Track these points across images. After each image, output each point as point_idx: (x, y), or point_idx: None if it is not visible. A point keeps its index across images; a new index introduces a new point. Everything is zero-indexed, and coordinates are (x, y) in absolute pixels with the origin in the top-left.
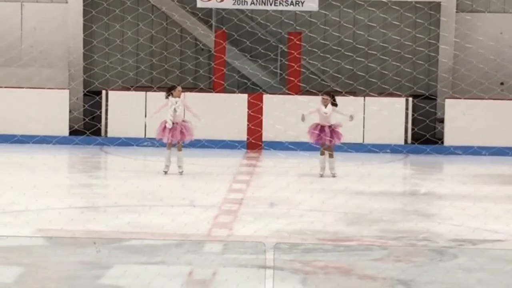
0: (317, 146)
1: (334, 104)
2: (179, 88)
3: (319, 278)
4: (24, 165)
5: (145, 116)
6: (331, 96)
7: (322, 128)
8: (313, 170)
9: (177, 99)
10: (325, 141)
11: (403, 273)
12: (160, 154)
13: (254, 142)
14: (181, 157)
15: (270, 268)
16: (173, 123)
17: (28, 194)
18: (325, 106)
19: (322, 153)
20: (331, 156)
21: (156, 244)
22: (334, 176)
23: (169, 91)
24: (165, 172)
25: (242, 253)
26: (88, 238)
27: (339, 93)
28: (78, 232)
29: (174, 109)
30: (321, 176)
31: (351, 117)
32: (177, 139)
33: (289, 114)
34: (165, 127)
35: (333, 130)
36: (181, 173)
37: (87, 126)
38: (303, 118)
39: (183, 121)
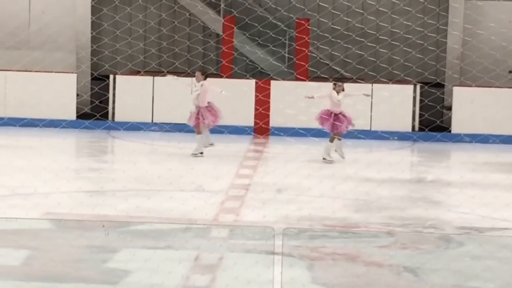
0: (327, 131)
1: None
2: (197, 73)
3: (326, 264)
4: (33, 148)
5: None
6: (342, 83)
7: (336, 116)
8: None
9: (197, 84)
10: (340, 129)
11: (409, 260)
12: (167, 139)
13: (262, 127)
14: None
15: (278, 254)
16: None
17: (37, 176)
18: (338, 93)
19: (332, 140)
20: (339, 139)
21: (164, 229)
22: (338, 157)
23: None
24: (202, 153)
25: (250, 238)
26: (96, 221)
27: (348, 80)
28: (86, 216)
29: (196, 95)
30: (330, 162)
31: (367, 94)
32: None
33: (299, 99)
34: (197, 117)
35: (344, 116)
36: (211, 144)
37: (95, 110)
38: (311, 97)
39: (207, 107)
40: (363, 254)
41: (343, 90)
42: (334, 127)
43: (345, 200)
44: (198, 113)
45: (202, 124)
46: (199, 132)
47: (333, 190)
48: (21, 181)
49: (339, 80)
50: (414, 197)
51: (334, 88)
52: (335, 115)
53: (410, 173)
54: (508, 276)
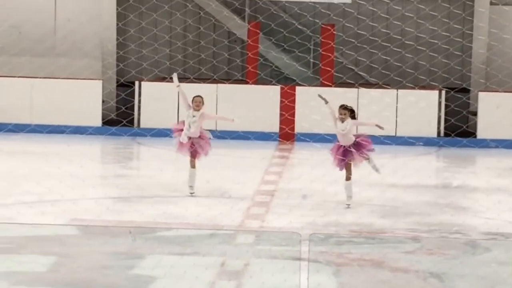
0: (342, 168)
1: (353, 117)
2: (196, 99)
3: (352, 270)
4: (59, 155)
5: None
6: (349, 110)
7: (345, 151)
8: None
9: (195, 113)
10: (352, 159)
11: (435, 266)
12: None
13: (288, 133)
14: (193, 175)
15: (304, 260)
16: (188, 138)
17: (64, 183)
18: (342, 121)
19: (348, 178)
20: (348, 178)
21: (190, 235)
22: (348, 205)
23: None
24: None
25: (276, 244)
26: (122, 227)
27: (373, 85)
28: (112, 222)
29: (189, 124)
30: (348, 207)
31: (381, 127)
32: (188, 155)
33: (324, 105)
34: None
35: (357, 145)
36: (191, 194)
37: (121, 117)
38: (324, 98)
39: (200, 135)
40: (389, 260)
41: (352, 116)
42: (342, 162)
43: (371, 205)
44: (192, 144)
45: (198, 156)
46: (194, 166)
47: (359, 196)
48: (48, 187)
49: (344, 106)
50: (440, 202)
51: (338, 116)
52: (344, 149)
53: (436, 178)
54: None
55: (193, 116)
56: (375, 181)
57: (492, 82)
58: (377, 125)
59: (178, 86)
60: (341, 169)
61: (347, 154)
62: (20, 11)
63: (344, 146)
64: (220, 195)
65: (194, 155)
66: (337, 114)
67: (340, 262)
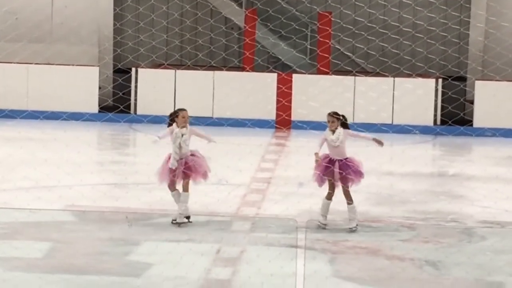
0: (321, 184)
1: (345, 125)
2: (183, 113)
3: (348, 258)
4: (56, 141)
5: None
6: (339, 117)
7: (331, 160)
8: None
9: (183, 130)
10: (333, 176)
11: (431, 254)
12: None
13: (285, 120)
14: (186, 199)
15: (301, 247)
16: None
17: (61, 169)
18: (333, 131)
19: (329, 196)
20: (349, 202)
21: (186, 221)
22: (352, 230)
23: (173, 116)
24: (178, 224)
25: (272, 231)
26: (119, 213)
27: (370, 73)
28: (109, 208)
29: (180, 144)
30: (324, 227)
31: (379, 142)
32: (181, 177)
33: (321, 92)
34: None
35: (347, 164)
36: (188, 220)
37: (117, 102)
38: (317, 159)
39: (192, 154)
40: (385, 248)
41: (343, 125)
42: (324, 171)
43: (367, 193)
44: (185, 165)
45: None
46: (187, 188)
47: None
48: (45, 173)
49: (335, 112)
50: (436, 190)
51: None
52: (331, 160)
53: (432, 166)
54: None
55: (183, 135)
56: (371, 169)
57: (490, 70)
58: (374, 139)
59: (160, 138)
60: (320, 185)
61: (332, 163)
62: None
63: (332, 158)
64: (216, 182)
65: (188, 175)
66: (324, 135)
67: (336, 249)
